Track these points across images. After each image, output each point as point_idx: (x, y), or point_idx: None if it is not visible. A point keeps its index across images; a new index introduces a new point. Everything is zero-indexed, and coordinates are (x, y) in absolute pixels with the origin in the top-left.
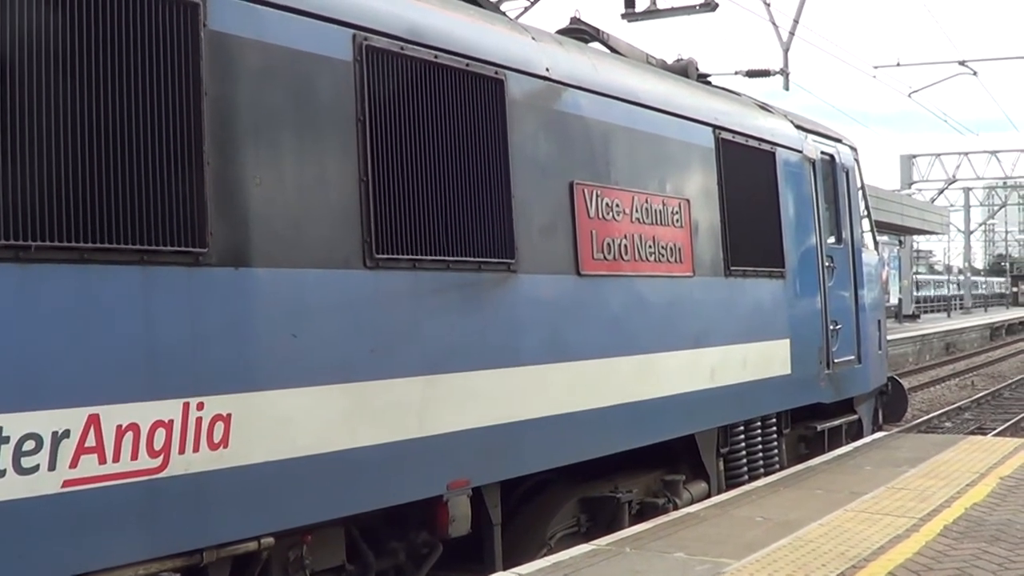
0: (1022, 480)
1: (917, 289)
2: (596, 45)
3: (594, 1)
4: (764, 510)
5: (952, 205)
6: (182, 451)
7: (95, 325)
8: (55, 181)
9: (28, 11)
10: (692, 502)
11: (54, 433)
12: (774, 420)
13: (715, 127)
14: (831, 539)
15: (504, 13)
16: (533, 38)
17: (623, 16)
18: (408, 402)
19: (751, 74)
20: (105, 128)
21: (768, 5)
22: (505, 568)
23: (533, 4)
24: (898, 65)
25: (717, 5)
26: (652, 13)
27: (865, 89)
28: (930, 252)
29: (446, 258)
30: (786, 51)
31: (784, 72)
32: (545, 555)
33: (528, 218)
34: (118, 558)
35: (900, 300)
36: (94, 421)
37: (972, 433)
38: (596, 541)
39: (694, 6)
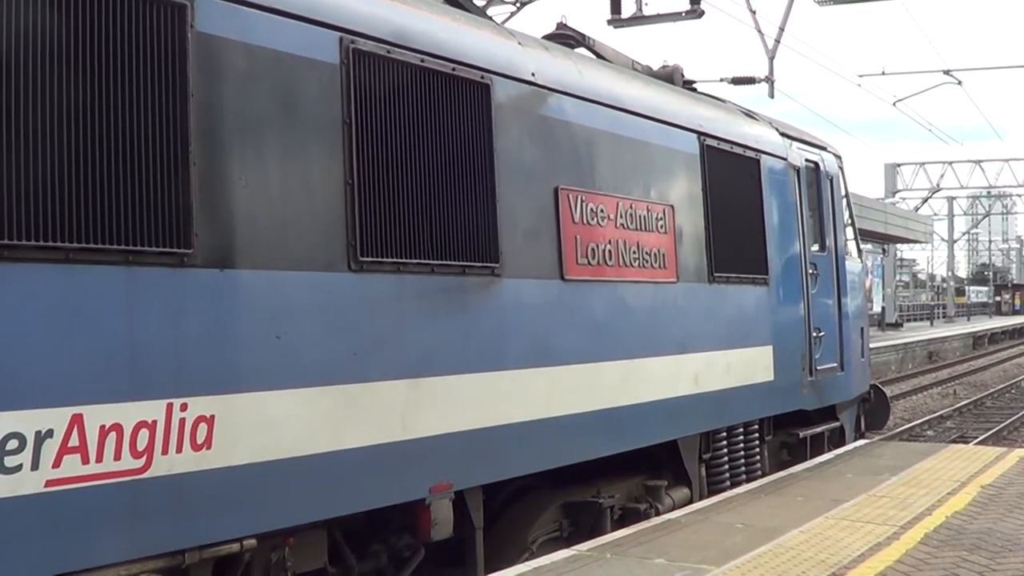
0: (1003, 489)
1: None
2: (582, 51)
3: (580, 7)
4: (745, 517)
5: (936, 214)
6: (165, 452)
7: (79, 325)
8: (41, 180)
9: (16, 12)
10: (674, 508)
11: (37, 433)
12: (756, 427)
13: (700, 134)
14: (812, 546)
15: (490, 18)
16: (519, 43)
17: (609, 22)
18: (391, 405)
19: (736, 81)
20: (92, 128)
21: (754, 13)
22: (487, 573)
23: (519, 9)
24: (883, 74)
25: (703, 12)
26: (638, 19)
27: (850, 97)
28: (913, 261)
29: (431, 262)
30: (771, 59)
31: (769, 79)
32: (527, 559)
33: (513, 223)
34: (100, 558)
35: (883, 308)
36: (77, 421)
37: (954, 442)
38: (577, 547)
39: (680, 13)
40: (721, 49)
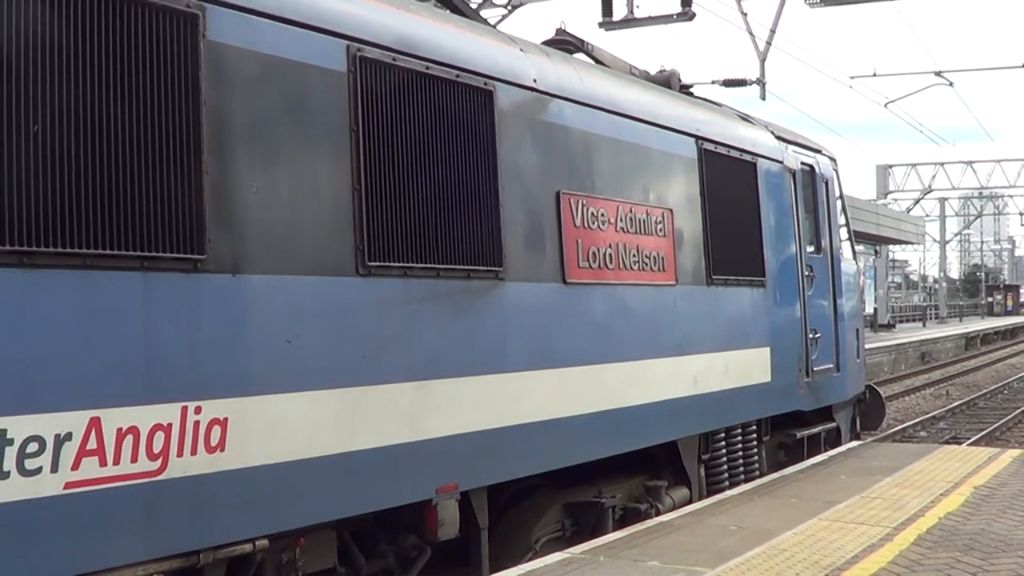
0: (996, 489)
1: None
2: (581, 56)
3: (571, 10)
4: (739, 519)
5: (928, 215)
6: (180, 454)
7: (97, 330)
8: (58, 188)
9: (31, 20)
10: (674, 508)
11: (56, 436)
12: (754, 427)
13: (698, 138)
14: (805, 548)
15: (486, 21)
16: (521, 49)
17: (600, 24)
18: (399, 407)
19: (728, 83)
20: (107, 136)
21: (745, 15)
22: (491, 573)
23: (511, 12)
24: (874, 75)
25: (694, 14)
26: (629, 22)
27: (841, 99)
28: (906, 262)
29: (436, 266)
30: (763, 61)
31: (761, 81)
32: (530, 559)
33: (516, 227)
34: (117, 559)
35: (876, 309)
36: (95, 424)
37: (947, 442)
38: (571, 549)
39: (671, 15)
40: (712, 51)
